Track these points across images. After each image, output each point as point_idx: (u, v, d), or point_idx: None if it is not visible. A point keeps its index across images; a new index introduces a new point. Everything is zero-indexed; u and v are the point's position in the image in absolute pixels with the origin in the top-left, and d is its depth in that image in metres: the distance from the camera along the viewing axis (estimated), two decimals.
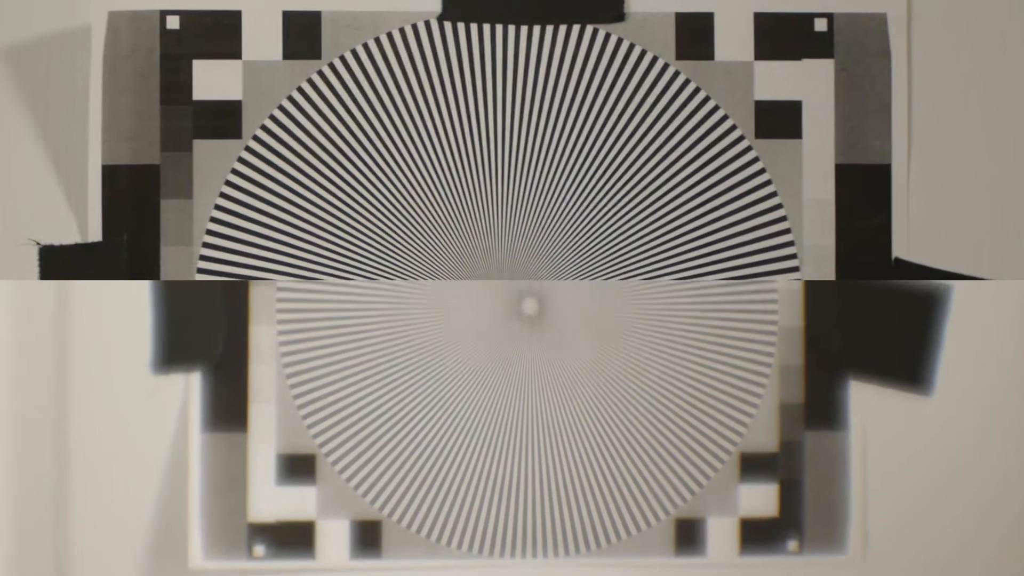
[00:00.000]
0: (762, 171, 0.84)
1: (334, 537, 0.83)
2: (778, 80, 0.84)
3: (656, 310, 0.84)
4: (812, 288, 0.84)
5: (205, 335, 0.83)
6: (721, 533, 0.84)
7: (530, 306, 0.84)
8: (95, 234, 0.82)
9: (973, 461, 0.86)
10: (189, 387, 0.83)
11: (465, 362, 0.84)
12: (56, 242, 0.82)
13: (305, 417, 0.83)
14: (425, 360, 0.84)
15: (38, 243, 0.82)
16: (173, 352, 0.82)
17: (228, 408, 0.83)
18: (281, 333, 0.83)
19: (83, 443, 0.83)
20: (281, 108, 0.83)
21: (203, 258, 0.82)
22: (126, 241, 0.82)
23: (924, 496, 0.85)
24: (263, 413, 0.83)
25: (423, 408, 0.84)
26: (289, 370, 0.83)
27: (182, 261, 0.82)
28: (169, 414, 0.83)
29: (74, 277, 0.82)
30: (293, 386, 0.83)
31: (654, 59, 0.84)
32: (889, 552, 0.85)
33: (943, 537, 0.85)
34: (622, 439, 0.84)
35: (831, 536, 0.85)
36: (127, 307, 0.82)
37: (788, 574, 0.85)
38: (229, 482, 0.83)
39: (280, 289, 0.83)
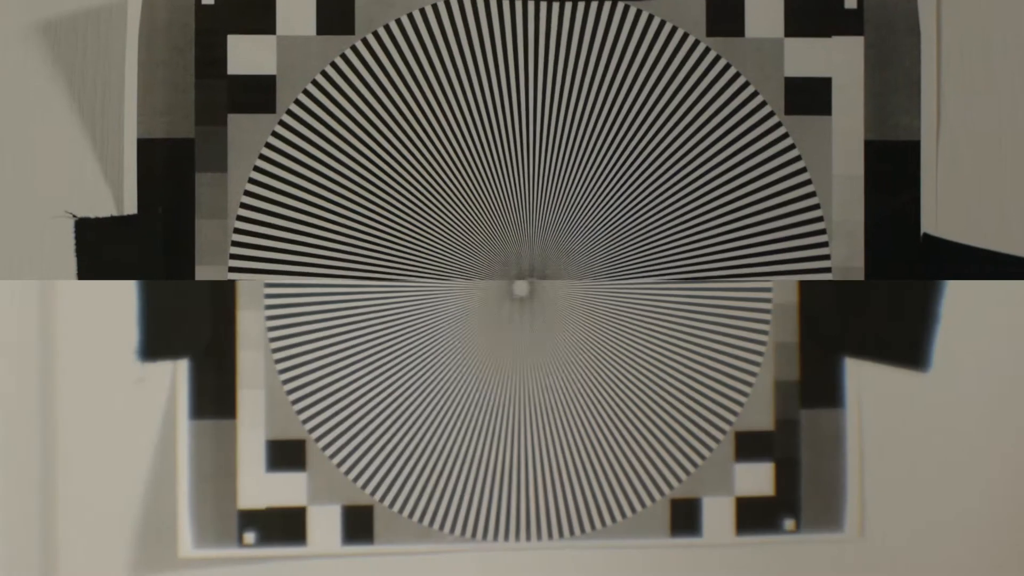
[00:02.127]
0: (792, 147, 0.84)
1: (325, 523, 0.83)
2: (808, 57, 0.84)
3: (649, 290, 0.84)
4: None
5: (192, 322, 0.83)
6: (717, 513, 0.85)
7: (521, 288, 0.84)
8: (131, 207, 0.83)
9: (970, 437, 0.86)
10: (176, 374, 0.83)
11: (456, 345, 0.84)
12: (92, 215, 0.83)
13: (294, 403, 0.83)
14: (415, 343, 0.84)
15: (74, 216, 0.83)
16: (160, 339, 0.82)
17: (216, 395, 0.83)
18: (269, 319, 0.83)
19: (70, 432, 0.83)
20: (315, 83, 0.83)
21: (237, 231, 0.83)
22: (161, 214, 0.83)
23: (921, 473, 0.86)
24: (252, 399, 0.83)
25: (414, 392, 0.84)
26: (278, 356, 0.83)
27: (217, 234, 0.83)
28: (157, 402, 0.83)
29: (110, 250, 0.83)
30: (282, 372, 0.83)
31: (684, 35, 0.84)
32: (886, 529, 0.85)
33: (940, 514, 0.86)
34: (616, 420, 0.84)
35: (828, 514, 0.85)
36: (113, 295, 0.82)
37: (785, 553, 0.85)
38: (218, 469, 0.83)
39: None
